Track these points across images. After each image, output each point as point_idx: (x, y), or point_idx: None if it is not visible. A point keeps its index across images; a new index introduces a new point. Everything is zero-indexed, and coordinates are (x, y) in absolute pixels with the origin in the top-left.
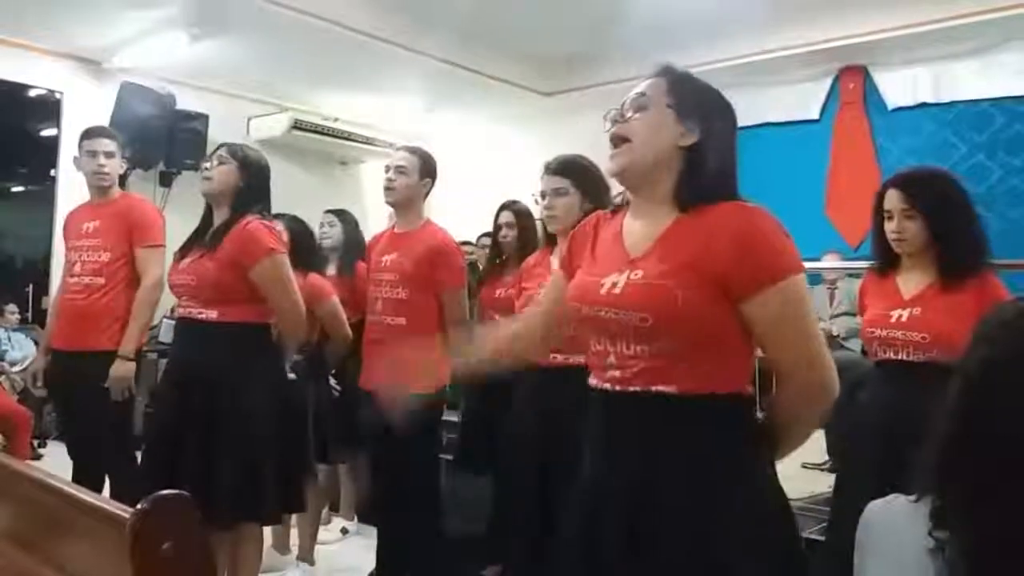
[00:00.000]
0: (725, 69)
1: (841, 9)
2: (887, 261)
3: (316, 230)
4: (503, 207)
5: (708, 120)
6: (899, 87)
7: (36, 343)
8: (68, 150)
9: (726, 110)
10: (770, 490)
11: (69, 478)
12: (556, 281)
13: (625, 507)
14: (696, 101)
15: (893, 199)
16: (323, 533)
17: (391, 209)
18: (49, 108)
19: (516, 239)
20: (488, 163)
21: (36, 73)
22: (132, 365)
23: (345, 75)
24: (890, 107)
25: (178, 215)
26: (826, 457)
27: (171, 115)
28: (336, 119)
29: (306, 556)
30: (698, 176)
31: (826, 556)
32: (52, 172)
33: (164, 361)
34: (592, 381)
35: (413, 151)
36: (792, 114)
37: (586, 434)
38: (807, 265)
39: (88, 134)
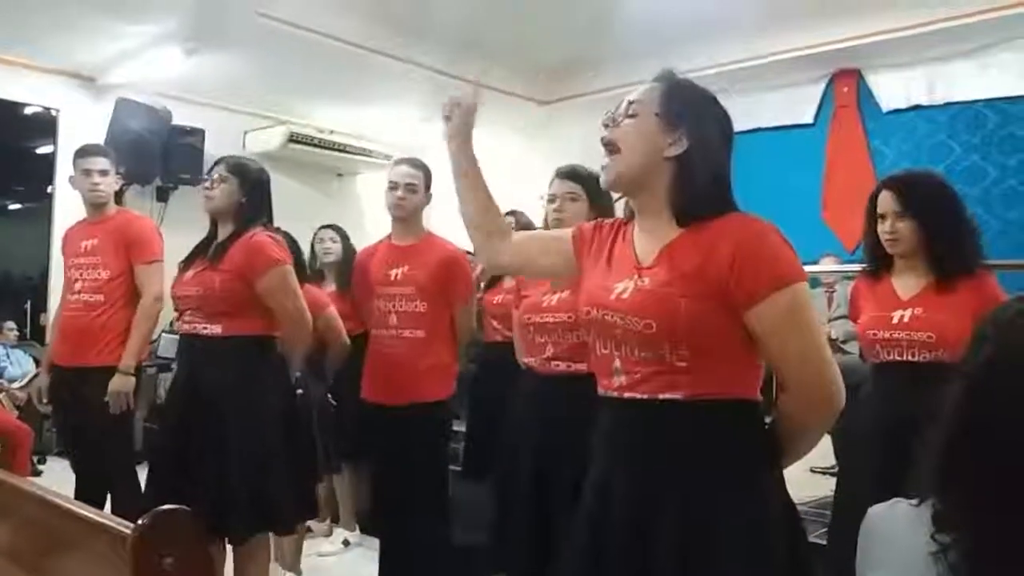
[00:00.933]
0: (719, 74)
1: (834, 12)
2: (879, 263)
3: (315, 244)
4: (506, 214)
5: (698, 130)
6: (893, 89)
7: (35, 360)
8: (65, 167)
9: (720, 119)
10: (776, 497)
11: (70, 494)
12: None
13: (630, 513)
14: (686, 110)
15: (886, 201)
16: (325, 545)
17: (388, 221)
18: (45, 125)
19: None
20: (485, 172)
21: (32, 90)
22: (132, 379)
23: (340, 87)
24: (884, 110)
25: (175, 230)
26: (834, 462)
27: (167, 130)
28: (332, 131)
29: (293, 567)
30: (688, 186)
31: (827, 560)
32: (49, 189)
33: (164, 376)
34: (599, 388)
35: (418, 166)
36: (787, 118)
37: (592, 440)
38: (806, 269)
39: (81, 152)
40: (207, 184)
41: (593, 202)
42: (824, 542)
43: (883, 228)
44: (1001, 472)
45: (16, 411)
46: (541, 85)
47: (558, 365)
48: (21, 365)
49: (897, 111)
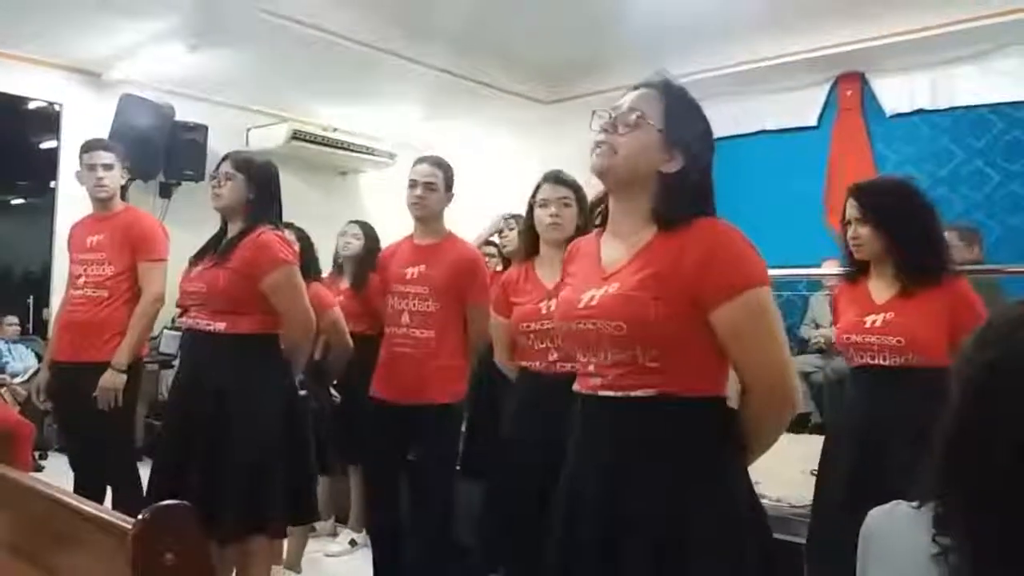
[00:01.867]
0: (723, 77)
1: (839, 16)
2: (857, 268)
3: (339, 237)
4: (515, 216)
5: (693, 148)
6: (897, 93)
7: (37, 355)
8: (68, 162)
9: (708, 134)
10: (745, 491)
11: (70, 490)
12: None
13: (600, 507)
14: (686, 128)
15: (850, 207)
16: (331, 545)
17: (391, 219)
18: (49, 120)
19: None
20: (487, 172)
21: (36, 85)
22: (122, 376)
23: (344, 85)
24: (888, 114)
25: (178, 226)
26: None
27: (170, 126)
28: (335, 129)
29: (293, 565)
30: (675, 200)
31: (809, 559)
32: (52, 184)
33: (165, 372)
34: (575, 387)
35: (438, 164)
36: (790, 121)
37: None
38: (806, 272)
39: (86, 147)
40: (214, 182)
41: (582, 209)
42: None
43: (849, 233)
44: (1002, 475)
45: (17, 406)
46: (542, 85)
47: (564, 366)
48: (23, 360)
49: (901, 115)
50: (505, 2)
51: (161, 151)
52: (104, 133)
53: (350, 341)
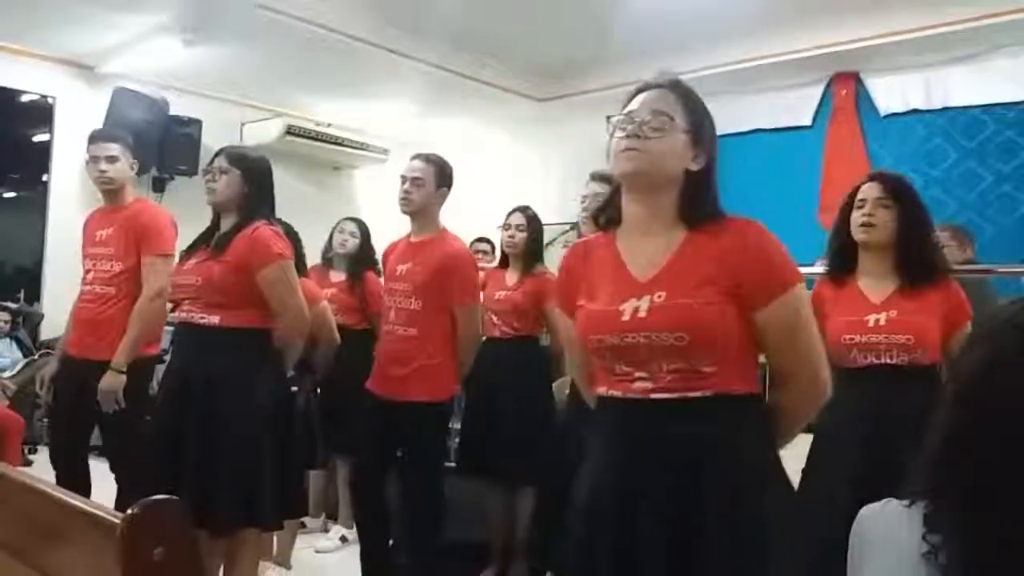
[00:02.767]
0: (718, 76)
1: (833, 16)
2: (843, 265)
3: (334, 233)
4: (516, 209)
5: (712, 143)
6: (891, 93)
7: (21, 347)
8: (61, 155)
9: (714, 127)
10: (788, 485)
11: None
12: (567, 322)
13: (664, 507)
14: (706, 126)
15: (871, 190)
16: (322, 541)
17: (385, 216)
18: (42, 113)
19: (525, 241)
20: (482, 168)
21: (29, 78)
22: (122, 377)
23: (339, 81)
24: (882, 113)
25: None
26: None
27: (164, 120)
28: (329, 124)
29: (283, 561)
30: (704, 197)
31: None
32: (44, 178)
33: (158, 367)
34: (611, 392)
35: (428, 160)
36: (785, 120)
37: (594, 445)
38: (801, 271)
39: (91, 138)
40: (208, 176)
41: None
42: None
43: (859, 213)
44: (993, 474)
45: (7, 400)
46: (537, 82)
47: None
48: (11, 354)
49: (895, 115)
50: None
51: (155, 145)
52: (97, 127)
53: (337, 335)
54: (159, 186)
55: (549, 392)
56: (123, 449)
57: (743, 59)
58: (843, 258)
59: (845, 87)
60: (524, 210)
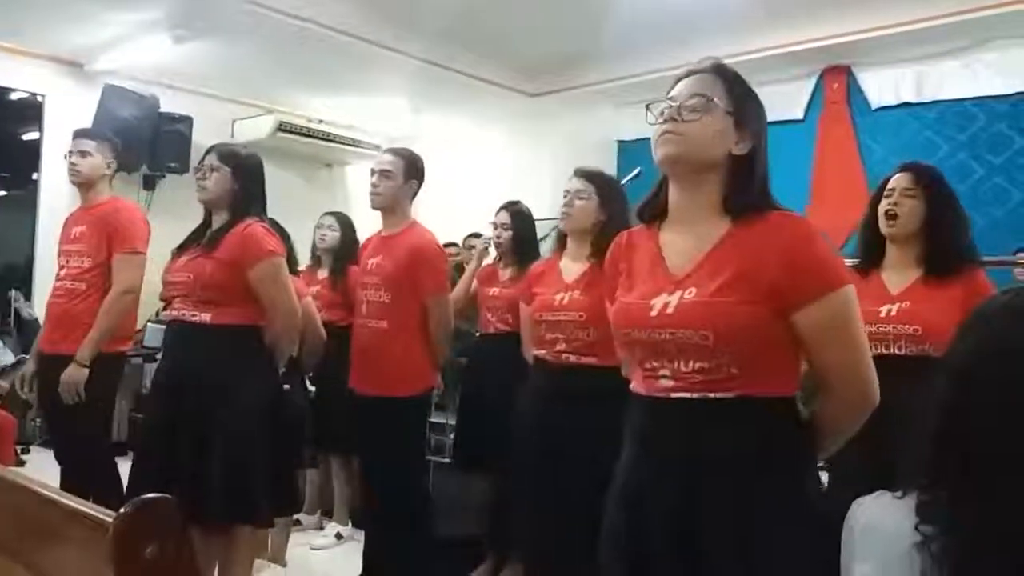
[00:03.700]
0: None
1: (824, 9)
2: (871, 257)
3: (316, 229)
4: (502, 207)
5: (759, 129)
6: (883, 87)
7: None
8: (50, 153)
9: (764, 114)
10: (815, 490)
11: (54, 484)
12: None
13: (677, 506)
14: (751, 110)
15: (900, 180)
16: (318, 538)
17: (376, 212)
18: (31, 111)
19: (510, 239)
20: (473, 164)
21: (18, 76)
22: (84, 371)
23: (330, 77)
24: (874, 106)
25: (162, 218)
26: None
27: (155, 117)
28: (321, 121)
29: (278, 558)
30: (748, 185)
31: None
32: (34, 176)
33: (149, 366)
34: (638, 389)
35: (398, 153)
36: (776, 114)
37: (627, 437)
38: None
39: (73, 136)
40: (200, 173)
41: (603, 202)
42: None
43: (886, 203)
44: (986, 463)
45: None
46: (529, 78)
47: (569, 357)
48: (2, 355)
49: (886, 108)
50: None
51: (145, 142)
52: (87, 124)
53: (323, 332)
54: (150, 183)
55: None
56: (69, 440)
57: (734, 53)
58: (872, 248)
59: (836, 80)
60: (509, 207)
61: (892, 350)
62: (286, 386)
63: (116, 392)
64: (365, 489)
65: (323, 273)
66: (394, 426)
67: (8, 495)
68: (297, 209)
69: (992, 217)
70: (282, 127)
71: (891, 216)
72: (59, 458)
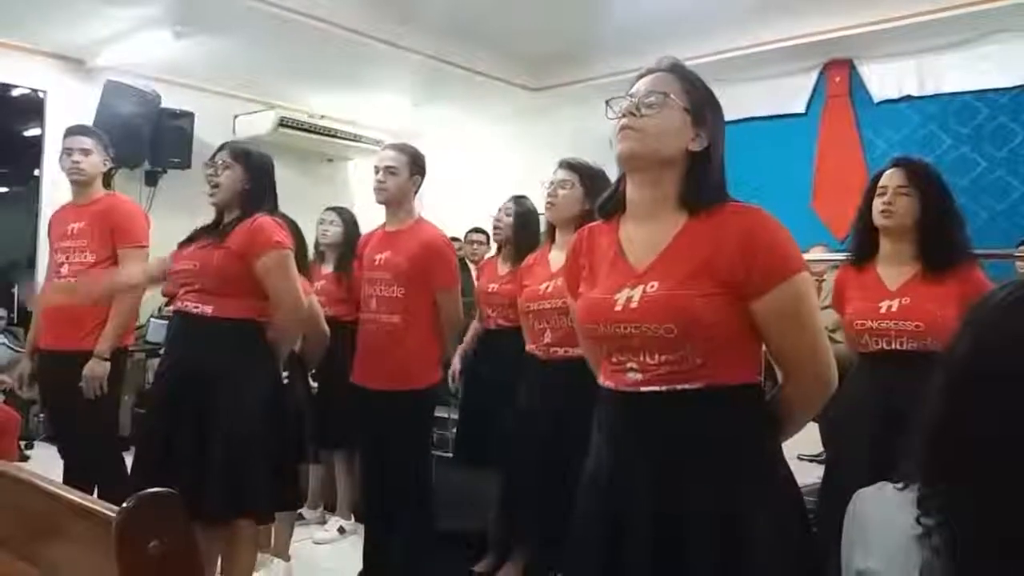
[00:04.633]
0: (711, 64)
1: (826, 2)
2: (865, 250)
3: (318, 225)
4: (510, 198)
5: (716, 127)
6: (884, 80)
7: (9, 346)
8: (52, 150)
9: (722, 113)
10: (784, 474)
11: (58, 479)
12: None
13: (650, 497)
14: (708, 108)
15: (892, 177)
16: (320, 533)
17: (378, 207)
18: (33, 107)
19: (511, 228)
20: (475, 158)
21: (19, 72)
22: (106, 364)
23: (331, 72)
24: (876, 100)
25: (164, 214)
26: (821, 449)
27: (156, 113)
28: (323, 116)
29: (281, 552)
30: (704, 180)
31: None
32: (36, 172)
33: (153, 361)
34: (606, 383)
35: (401, 149)
36: (778, 108)
37: (597, 432)
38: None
39: (67, 133)
40: (210, 172)
41: (588, 191)
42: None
43: (880, 201)
44: (985, 456)
45: (2, 396)
46: (531, 72)
47: (556, 351)
48: (4, 351)
49: (888, 101)
50: None
51: (147, 138)
52: (89, 120)
53: (326, 328)
54: (151, 179)
55: None
56: (75, 437)
57: (736, 47)
58: (865, 243)
59: (839, 74)
60: (517, 199)
61: (894, 346)
62: (285, 375)
63: (122, 386)
64: (366, 484)
65: (327, 268)
66: (405, 420)
67: (12, 490)
68: (298, 204)
69: (994, 210)
70: (283, 122)
71: (886, 213)
72: (63, 453)
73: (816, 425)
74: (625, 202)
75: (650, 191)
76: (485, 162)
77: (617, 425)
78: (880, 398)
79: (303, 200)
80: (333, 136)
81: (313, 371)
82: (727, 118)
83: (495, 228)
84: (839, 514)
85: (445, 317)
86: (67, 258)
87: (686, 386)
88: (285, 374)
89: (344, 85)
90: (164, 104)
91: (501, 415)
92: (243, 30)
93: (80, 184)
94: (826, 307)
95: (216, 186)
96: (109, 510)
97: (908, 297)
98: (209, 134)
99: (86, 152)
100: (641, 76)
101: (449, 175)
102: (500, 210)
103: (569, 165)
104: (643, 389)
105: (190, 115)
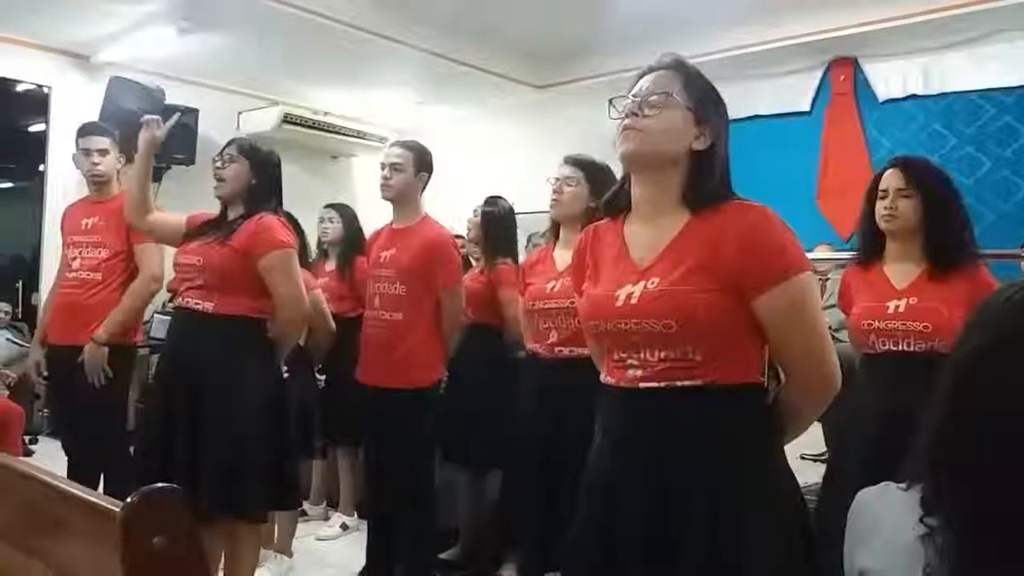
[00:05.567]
0: (716, 61)
1: (832, 1)
2: (871, 250)
3: (318, 223)
4: (484, 201)
5: (719, 124)
6: (889, 79)
7: (14, 341)
8: (57, 145)
9: (725, 109)
10: (785, 474)
11: (62, 474)
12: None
13: (649, 495)
14: (711, 105)
15: (892, 178)
16: (323, 529)
17: (383, 204)
18: (38, 103)
19: (478, 228)
20: (480, 156)
21: (24, 68)
22: (103, 349)
23: (336, 69)
24: (881, 99)
25: (169, 209)
26: (823, 448)
27: (160, 110)
28: (327, 113)
29: (284, 548)
30: (707, 178)
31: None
32: (41, 167)
33: (156, 357)
34: (608, 380)
35: (408, 146)
36: (783, 106)
37: (598, 428)
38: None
39: (82, 131)
40: (218, 164)
41: (593, 189)
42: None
43: (882, 204)
44: (991, 457)
45: (7, 391)
46: (535, 69)
47: (562, 351)
48: (8, 346)
49: (893, 100)
50: None
51: None
52: (93, 116)
53: (332, 324)
54: (156, 175)
55: (507, 375)
56: (105, 437)
57: (741, 44)
58: (871, 243)
59: (843, 72)
60: (490, 200)
61: (901, 346)
62: (285, 371)
63: (130, 382)
64: (371, 480)
65: (330, 265)
66: (408, 416)
67: (16, 485)
68: (303, 201)
69: (1000, 210)
70: (288, 119)
71: (889, 217)
72: (67, 448)
73: (819, 424)
74: (630, 200)
75: (653, 190)
76: (490, 159)
77: (617, 422)
78: (885, 399)
79: (307, 197)
80: (338, 133)
81: (319, 366)
82: (731, 116)
83: (467, 229)
84: (841, 514)
85: (447, 315)
86: (80, 253)
87: (686, 383)
88: (285, 369)
89: (349, 82)
90: (168, 100)
91: (466, 408)
92: (248, 26)
93: (100, 184)
94: (830, 306)
95: (221, 179)
96: (113, 505)
97: (916, 297)
98: (214, 130)
99: (104, 152)
100: (643, 74)
101: (454, 172)
102: (473, 211)
103: (574, 162)
104: (643, 385)
105: (195, 111)
